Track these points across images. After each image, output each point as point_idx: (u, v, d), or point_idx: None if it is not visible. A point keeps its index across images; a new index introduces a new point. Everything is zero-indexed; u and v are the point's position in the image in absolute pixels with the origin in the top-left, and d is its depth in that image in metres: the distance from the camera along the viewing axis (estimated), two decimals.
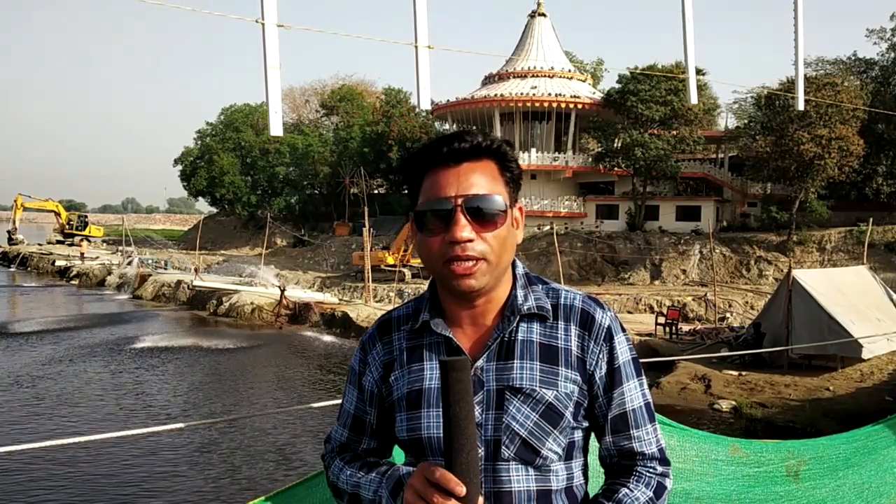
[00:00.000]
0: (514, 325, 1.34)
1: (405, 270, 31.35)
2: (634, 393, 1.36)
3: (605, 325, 1.36)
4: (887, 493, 2.85)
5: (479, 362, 1.32)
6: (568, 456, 1.34)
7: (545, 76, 36.84)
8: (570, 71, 38.44)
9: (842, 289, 15.71)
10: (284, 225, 47.34)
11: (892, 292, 16.80)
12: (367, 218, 27.81)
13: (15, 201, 52.32)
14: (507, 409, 1.29)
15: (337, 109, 50.96)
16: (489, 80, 38.74)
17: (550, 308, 1.36)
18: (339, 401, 1.59)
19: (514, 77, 37.34)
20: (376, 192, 48.20)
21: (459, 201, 1.27)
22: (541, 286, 1.40)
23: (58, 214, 53.84)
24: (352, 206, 44.44)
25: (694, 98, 3.43)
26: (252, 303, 26.75)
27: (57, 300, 32.32)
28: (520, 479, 1.30)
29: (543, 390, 1.30)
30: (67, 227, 52.82)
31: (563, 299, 1.38)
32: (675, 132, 31.90)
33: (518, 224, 1.37)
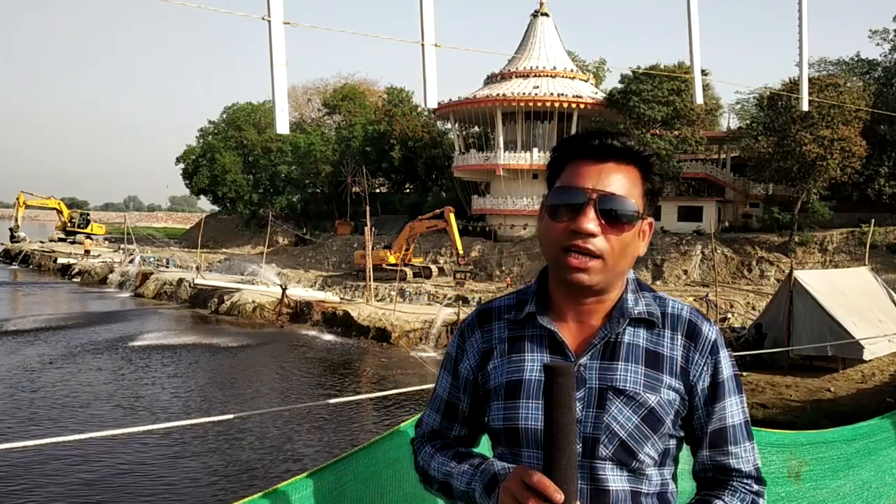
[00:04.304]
0: (622, 327, 1.34)
1: (406, 270, 31.34)
2: (735, 409, 1.35)
3: (712, 339, 1.35)
4: (887, 493, 2.86)
5: (583, 360, 1.32)
6: (661, 462, 1.33)
7: (547, 76, 36.83)
8: (572, 71, 38.41)
9: (843, 290, 15.70)
10: (286, 224, 47.40)
11: (893, 294, 16.78)
12: (368, 217, 27.81)
13: (17, 199, 52.38)
14: (609, 409, 1.29)
15: (339, 108, 50.99)
16: (491, 79, 38.72)
17: (659, 315, 1.36)
18: (339, 400, 1.59)
19: (516, 77, 37.33)
20: (378, 191, 48.26)
21: (594, 195, 1.27)
22: (649, 293, 1.39)
23: (60, 212, 53.90)
24: (353, 205, 44.45)
25: (699, 98, 3.43)
26: (253, 301, 26.78)
27: (59, 298, 32.36)
28: (615, 478, 1.29)
29: (647, 394, 1.30)
30: (69, 224, 52.88)
31: (670, 308, 1.37)
32: (677, 132, 31.89)
33: (644, 236, 1.36)
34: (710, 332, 1.36)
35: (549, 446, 1.06)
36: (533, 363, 1.35)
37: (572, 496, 1.05)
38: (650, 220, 1.37)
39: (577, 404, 1.29)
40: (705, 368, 1.34)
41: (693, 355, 1.34)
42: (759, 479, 1.37)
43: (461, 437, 1.50)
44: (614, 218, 1.27)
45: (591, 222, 1.26)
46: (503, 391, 1.36)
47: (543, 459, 1.07)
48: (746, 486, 1.34)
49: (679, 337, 1.34)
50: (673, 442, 1.35)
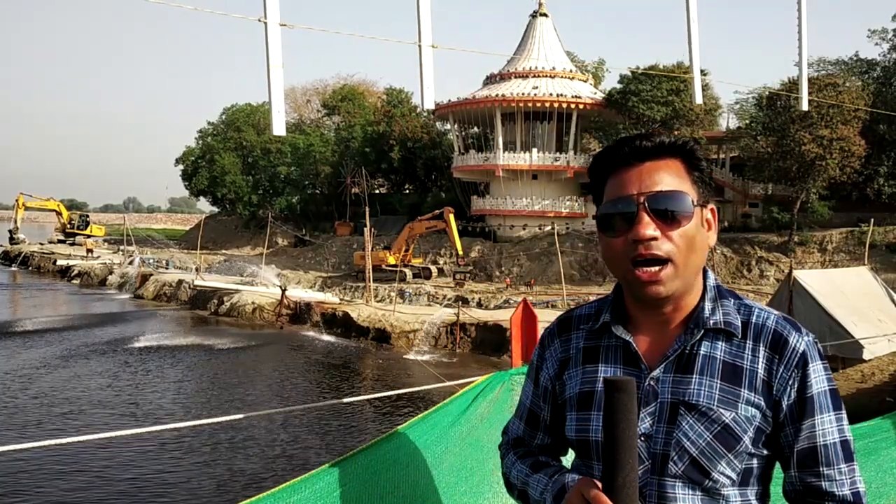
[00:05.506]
0: (697, 338, 1.27)
1: (406, 270, 31.35)
2: (828, 427, 1.25)
3: (800, 350, 1.25)
4: (887, 493, 2.85)
5: (656, 372, 1.27)
6: (743, 482, 1.26)
7: (547, 76, 36.81)
8: (571, 71, 38.40)
9: (843, 289, 15.69)
10: (286, 225, 47.35)
11: (893, 293, 16.77)
12: (368, 218, 27.79)
13: (17, 200, 52.39)
14: (680, 425, 1.24)
15: (338, 109, 50.98)
16: (490, 80, 38.70)
17: (739, 325, 1.28)
18: (339, 401, 1.58)
19: (515, 77, 37.31)
20: (377, 191, 48.22)
21: (642, 199, 1.23)
22: (732, 301, 1.31)
23: (59, 214, 53.93)
24: (353, 205, 44.43)
25: (698, 98, 3.43)
26: (253, 302, 26.77)
27: (59, 299, 32.34)
28: (686, 497, 1.24)
29: (721, 410, 1.23)
30: (69, 226, 52.89)
31: (754, 317, 1.29)
32: (676, 132, 31.85)
33: (710, 225, 1.30)
34: (799, 342, 1.26)
35: (607, 462, 1.05)
36: (606, 374, 1.32)
37: None
38: (712, 206, 1.32)
39: (648, 419, 1.26)
40: (791, 383, 1.24)
41: (777, 368, 1.25)
42: None
43: (544, 445, 1.48)
44: (669, 215, 1.23)
45: (647, 227, 1.22)
46: (576, 402, 1.34)
47: (602, 475, 1.06)
48: None
49: (762, 348, 1.26)
50: (756, 461, 1.27)
